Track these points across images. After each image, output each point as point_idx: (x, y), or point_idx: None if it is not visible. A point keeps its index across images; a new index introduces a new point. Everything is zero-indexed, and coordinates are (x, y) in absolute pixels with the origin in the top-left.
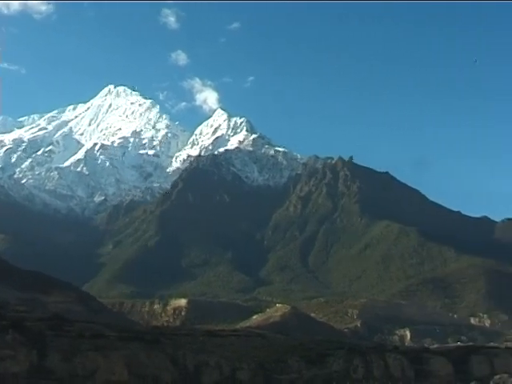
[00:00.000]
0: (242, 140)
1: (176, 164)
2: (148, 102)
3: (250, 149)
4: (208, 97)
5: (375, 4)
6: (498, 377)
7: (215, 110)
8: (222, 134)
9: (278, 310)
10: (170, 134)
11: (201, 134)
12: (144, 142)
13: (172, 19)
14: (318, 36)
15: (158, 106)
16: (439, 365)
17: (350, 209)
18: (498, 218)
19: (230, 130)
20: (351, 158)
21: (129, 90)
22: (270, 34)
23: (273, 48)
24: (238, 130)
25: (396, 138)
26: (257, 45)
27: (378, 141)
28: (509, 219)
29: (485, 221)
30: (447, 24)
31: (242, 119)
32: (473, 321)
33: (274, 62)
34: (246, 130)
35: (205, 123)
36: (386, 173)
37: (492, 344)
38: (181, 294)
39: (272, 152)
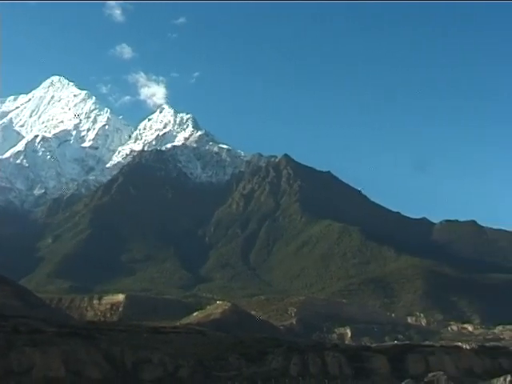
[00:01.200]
0: (187, 136)
1: (118, 158)
2: (83, 92)
3: (194, 145)
4: (152, 92)
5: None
6: (431, 374)
7: (160, 105)
8: (168, 130)
9: (218, 307)
10: (112, 128)
11: (144, 128)
12: (86, 135)
13: (117, 12)
14: (263, 33)
15: (94, 98)
16: (377, 363)
17: (292, 207)
18: (436, 219)
19: (176, 126)
20: (287, 155)
21: (65, 80)
22: (216, 29)
23: (218, 44)
24: (185, 127)
25: (339, 138)
26: (203, 40)
27: (321, 140)
28: (447, 221)
29: (424, 222)
30: (387, 23)
31: (188, 115)
32: (410, 320)
33: (219, 58)
34: (193, 127)
35: (149, 118)
36: (328, 172)
37: (427, 343)
38: (119, 289)
39: (216, 149)
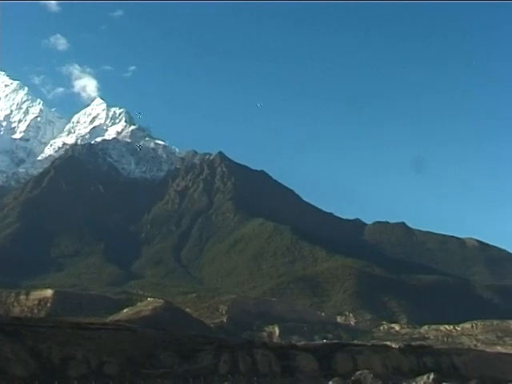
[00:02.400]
0: (120, 131)
1: (50, 151)
2: (15, 83)
3: (128, 140)
4: (87, 84)
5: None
6: (358, 373)
7: (94, 99)
8: (100, 124)
9: (149, 304)
10: (45, 120)
11: (78, 122)
12: (17, 126)
13: (52, 2)
14: (200, 31)
15: (26, 88)
16: (305, 361)
17: (224, 205)
18: (369, 220)
19: (109, 120)
20: (221, 153)
21: None
22: (154, 24)
23: (156, 39)
24: (117, 121)
25: (273, 137)
26: (140, 34)
27: (256, 139)
28: (379, 222)
29: (356, 223)
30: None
31: (121, 109)
32: (339, 319)
33: (156, 53)
34: (125, 121)
35: (82, 111)
36: (262, 171)
37: (356, 342)
38: (48, 284)
39: (151, 145)
